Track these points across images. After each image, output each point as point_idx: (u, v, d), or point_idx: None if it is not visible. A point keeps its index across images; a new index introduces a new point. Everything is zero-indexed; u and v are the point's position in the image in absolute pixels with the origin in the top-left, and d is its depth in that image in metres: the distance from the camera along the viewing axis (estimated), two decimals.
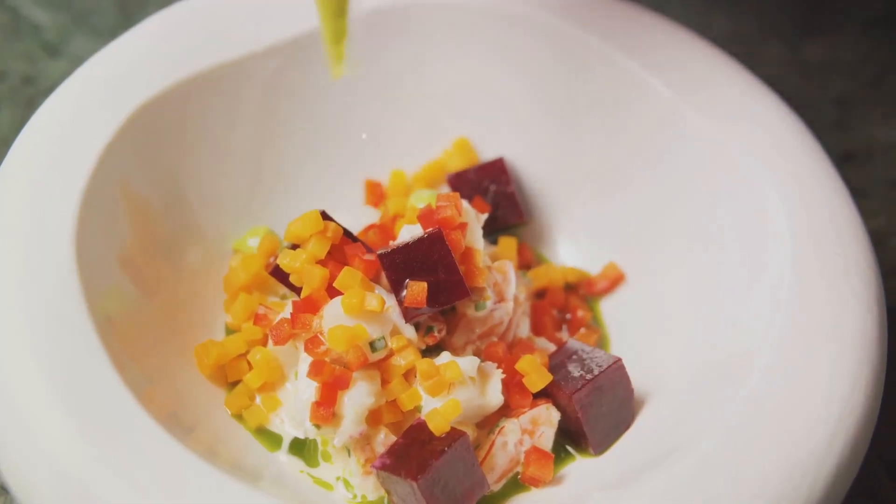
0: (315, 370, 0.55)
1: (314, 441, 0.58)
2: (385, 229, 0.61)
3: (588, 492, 0.54)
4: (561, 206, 0.67)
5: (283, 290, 0.61)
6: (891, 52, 0.85)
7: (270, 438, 0.58)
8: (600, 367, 0.57)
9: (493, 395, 0.57)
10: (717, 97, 0.63)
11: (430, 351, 0.58)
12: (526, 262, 0.66)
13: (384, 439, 0.56)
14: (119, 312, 0.56)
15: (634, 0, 0.69)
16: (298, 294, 0.58)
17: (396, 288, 0.56)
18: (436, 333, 0.58)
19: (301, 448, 0.58)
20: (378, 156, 0.68)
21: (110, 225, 0.58)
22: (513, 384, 0.58)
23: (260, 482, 0.54)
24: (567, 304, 0.65)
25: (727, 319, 0.58)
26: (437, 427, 0.54)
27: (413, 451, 0.54)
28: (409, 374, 0.56)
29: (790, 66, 0.84)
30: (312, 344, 0.55)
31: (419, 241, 0.56)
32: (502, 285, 0.60)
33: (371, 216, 0.64)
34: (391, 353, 0.56)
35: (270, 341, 0.58)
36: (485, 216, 0.60)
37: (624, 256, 0.65)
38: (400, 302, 0.56)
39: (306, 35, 0.64)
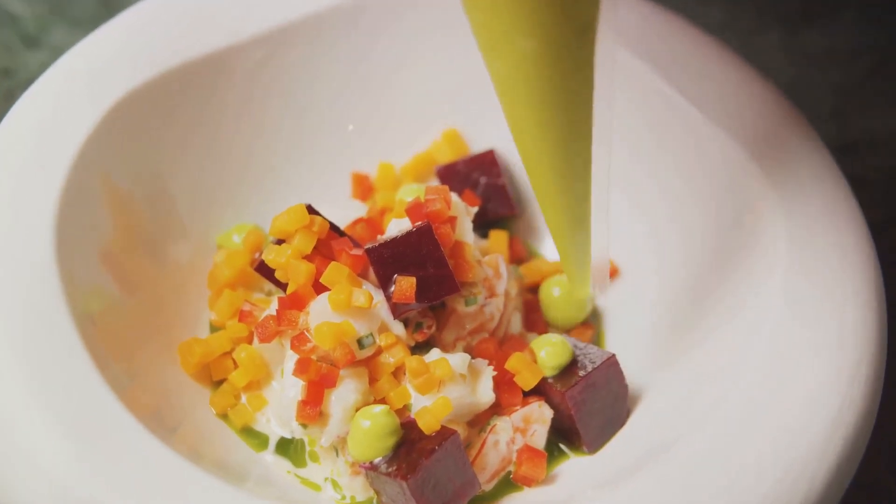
0: (301, 368, 0.54)
1: (301, 441, 0.58)
2: (373, 223, 0.61)
3: (582, 491, 0.54)
4: None
5: (269, 286, 0.61)
6: (889, 41, 0.85)
7: (256, 438, 0.58)
8: (594, 363, 0.57)
9: (485, 393, 0.56)
10: (713, 87, 0.63)
11: (420, 348, 0.58)
12: (517, 257, 0.66)
13: None
14: (100, 310, 0.56)
15: None
16: (284, 290, 0.57)
17: (384, 283, 0.56)
18: (425, 330, 0.58)
19: (288, 448, 0.58)
20: (365, 148, 0.68)
21: (91, 220, 0.58)
22: (504, 381, 0.58)
23: (246, 483, 0.53)
24: None
25: (722, 313, 0.58)
26: (428, 425, 0.54)
27: (402, 451, 0.53)
28: (398, 372, 0.56)
29: (787, 55, 0.84)
30: (299, 341, 0.55)
31: (407, 236, 0.55)
32: (493, 280, 0.59)
33: (358, 210, 0.64)
34: (379, 351, 0.56)
35: (256, 339, 0.58)
36: (475, 209, 0.60)
37: (618, 251, 0.64)
38: (388, 298, 0.56)
39: (290, 25, 0.64)
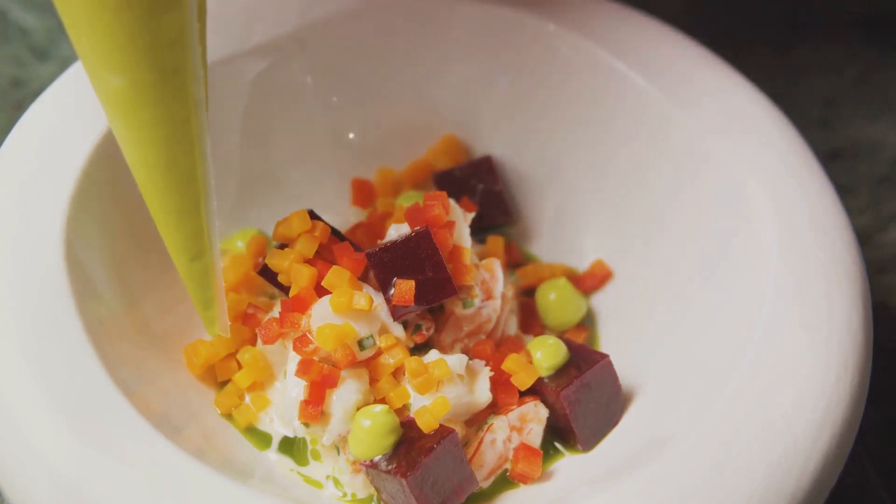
0: (303, 369, 0.55)
1: (303, 440, 0.58)
2: (373, 228, 0.62)
3: (576, 487, 0.54)
4: (548, 205, 0.67)
5: (272, 289, 0.61)
6: (875, 52, 0.85)
7: (260, 437, 0.58)
8: (588, 364, 0.58)
9: (482, 393, 0.57)
10: (703, 96, 0.63)
11: (419, 349, 0.58)
12: (514, 261, 0.66)
13: None
14: (109, 314, 0.56)
15: (621, 0, 0.69)
16: (287, 293, 0.58)
17: (384, 286, 0.56)
18: (424, 331, 0.58)
19: (290, 447, 0.58)
20: (365, 155, 0.68)
21: (99, 227, 0.58)
22: (501, 381, 0.58)
23: (250, 481, 0.54)
24: None
25: (713, 315, 0.58)
26: (426, 424, 0.54)
27: (402, 449, 0.54)
28: (397, 372, 0.57)
29: (776, 66, 0.84)
30: (301, 343, 0.56)
31: (407, 240, 0.56)
32: (490, 283, 0.60)
33: (358, 216, 0.64)
34: (379, 352, 0.56)
35: (259, 341, 0.58)
36: (472, 215, 0.60)
37: (611, 254, 0.65)
38: (388, 300, 0.56)
39: (292, 35, 0.64)
